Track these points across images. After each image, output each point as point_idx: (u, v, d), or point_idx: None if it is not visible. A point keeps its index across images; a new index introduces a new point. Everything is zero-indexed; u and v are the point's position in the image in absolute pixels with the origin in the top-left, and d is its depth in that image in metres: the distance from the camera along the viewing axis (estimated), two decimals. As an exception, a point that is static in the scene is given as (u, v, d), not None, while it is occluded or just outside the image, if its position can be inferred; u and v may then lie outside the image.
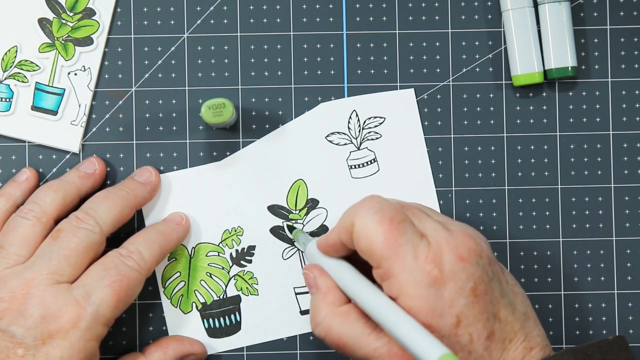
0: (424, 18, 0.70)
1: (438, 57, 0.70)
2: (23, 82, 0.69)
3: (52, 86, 0.69)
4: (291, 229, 0.69)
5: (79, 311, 0.61)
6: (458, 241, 0.58)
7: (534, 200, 0.70)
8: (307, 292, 0.69)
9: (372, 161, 0.70)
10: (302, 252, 0.69)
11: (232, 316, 0.69)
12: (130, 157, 0.70)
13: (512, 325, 0.59)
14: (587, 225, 0.70)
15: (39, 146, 0.70)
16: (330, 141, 0.70)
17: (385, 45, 0.70)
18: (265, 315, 0.69)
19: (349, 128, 0.70)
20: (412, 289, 0.57)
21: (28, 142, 0.70)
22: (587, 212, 0.70)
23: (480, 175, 0.70)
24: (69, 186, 0.66)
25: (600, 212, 0.70)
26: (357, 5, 0.70)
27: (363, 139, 0.70)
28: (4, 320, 0.61)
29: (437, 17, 0.70)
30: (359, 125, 0.70)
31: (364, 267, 0.61)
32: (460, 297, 0.57)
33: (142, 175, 0.68)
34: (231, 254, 0.69)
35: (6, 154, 0.69)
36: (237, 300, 0.69)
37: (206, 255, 0.69)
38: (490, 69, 0.71)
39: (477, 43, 0.71)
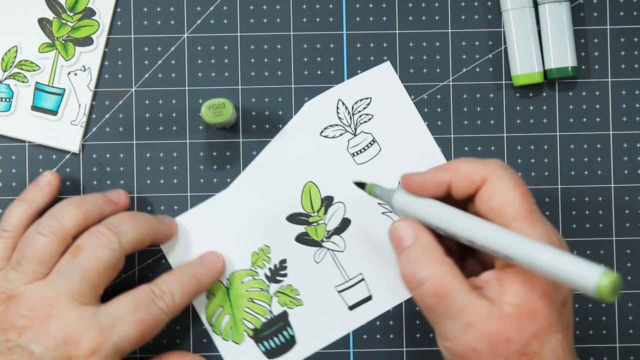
0: (424, 18, 0.70)
1: (438, 57, 0.70)
2: (23, 82, 0.69)
3: (52, 86, 0.69)
4: (361, 185, 0.65)
5: (101, 340, 0.61)
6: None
7: (534, 200, 0.70)
8: (348, 288, 0.69)
9: (372, 142, 0.70)
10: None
11: (285, 332, 0.69)
12: (130, 157, 0.70)
13: (569, 322, 0.59)
14: (587, 225, 0.70)
15: (39, 146, 0.70)
16: (325, 136, 0.70)
17: (385, 45, 0.70)
18: (315, 321, 0.69)
19: (339, 118, 0.70)
20: None
21: (28, 142, 0.70)
22: (587, 212, 0.70)
23: (480, 175, 0.70)
24: (91, 206, 0.65)
25: (600, 212, 0.70)
26: (357, 5, 0.70)
27: (357, 124, 0.70)
28: (23, 337, 0.60)
29: (437, 17, 0.70)
30: (349, 112, 0.70)
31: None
32: None
33: (166, 219, 0.69)
34: (265, 273, 0.69)
35: (6, 154, 0.69)
36: (284, 316, 0.69)
37: (242, 282, 0.69)
38: (490, 69, 0.71)
39: (477, 43, 0.71)
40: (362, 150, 0.70)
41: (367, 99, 0.70)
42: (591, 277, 0.51)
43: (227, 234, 0.69)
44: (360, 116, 0.70)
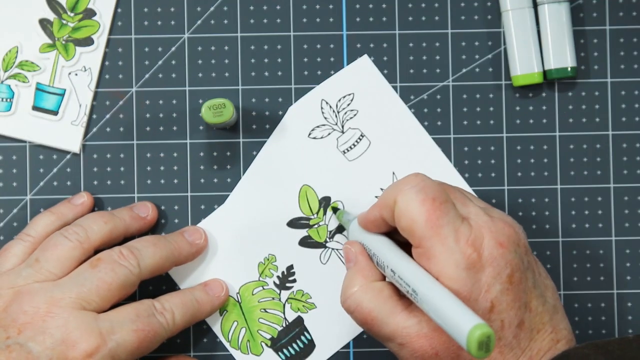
0: (423, 18, 0.71)
1: (438, 57, 0.71)
2: (24, 82, 0.69)
3: (52, 86, 0.69)
4: (335, 210, 0.69)
5: (99, 343, 0.61)
6: (498, 227, 0.58)
7: (533, 200, 0.70)
8: None
9: (361, 137, 0.70)
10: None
11: (302, 337, 0.69)
12: (130, 157, 0.70)
13: (541, 316, 0.59)
14: (587, 225, 0.70)
15: (39, 146, 0.70)
16: (314, 138, 0.70)
17: (385, 45, 0.70)
18: (331, 322, 0.69)
19: (325, 117, 0.70)
20: (451, 271, 0.57)
21: (29, 142, 0.70)
22: (586, 212, 0.70)
23: (480, 175, 0.70)
24: (119, 222, 0.66)
25: (600, 212, 0.70)
26: (357, 6, 0.70)
27: (343, 121, 0.70)
28: (22, 335, 0.60)
29: (437, 18, 0.71)
30: (334, 111, 0.70)
31: (404, 247, 0.61)
32: (496, 282, 0.57)
33: (191, 235, 0.68)
34: (274, 282, 0.69)
35: (7, 154, 0.70)
36: (299, 321, 0.69)
37: (253, 294, 0.69)
38: (490, 69, 0.71)
39: (477, 43, 0.71)
40: (352, 146, 0.70)
41: (349, 95, 0.70)
42: (463, 328, 0.52)
43: (231, 248, 0.69)
44: (346, 113, 0.70)
